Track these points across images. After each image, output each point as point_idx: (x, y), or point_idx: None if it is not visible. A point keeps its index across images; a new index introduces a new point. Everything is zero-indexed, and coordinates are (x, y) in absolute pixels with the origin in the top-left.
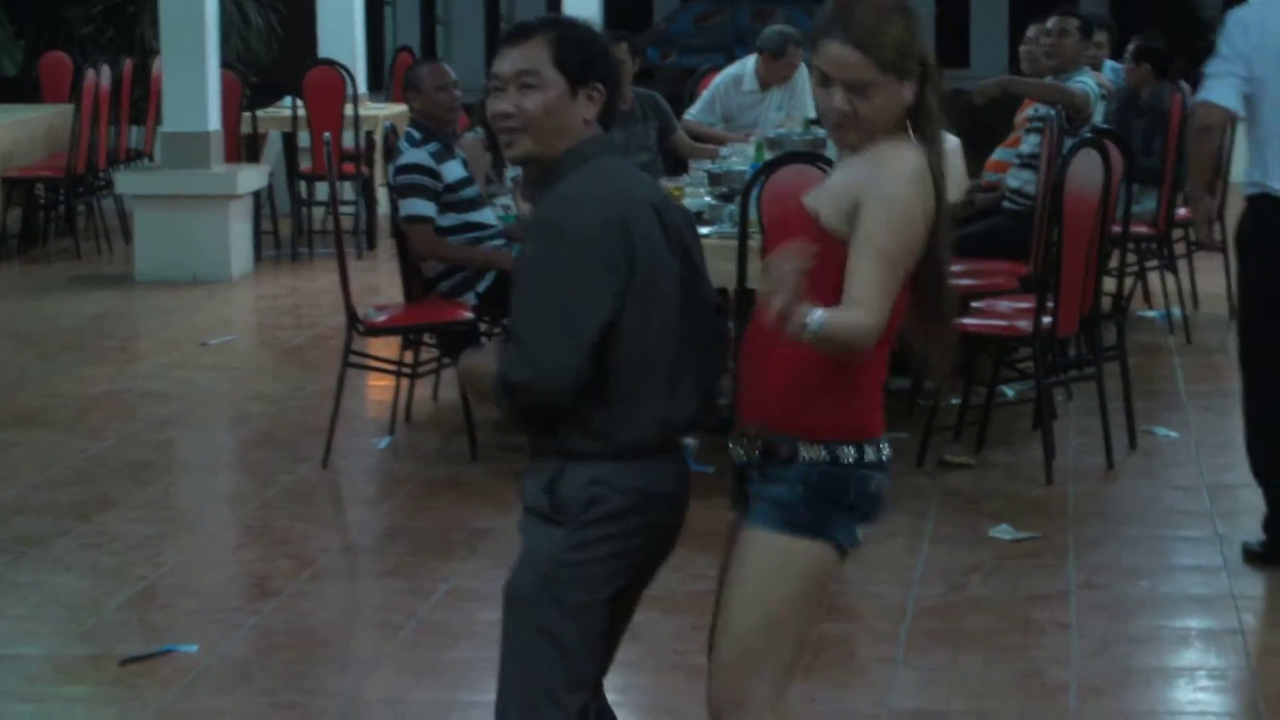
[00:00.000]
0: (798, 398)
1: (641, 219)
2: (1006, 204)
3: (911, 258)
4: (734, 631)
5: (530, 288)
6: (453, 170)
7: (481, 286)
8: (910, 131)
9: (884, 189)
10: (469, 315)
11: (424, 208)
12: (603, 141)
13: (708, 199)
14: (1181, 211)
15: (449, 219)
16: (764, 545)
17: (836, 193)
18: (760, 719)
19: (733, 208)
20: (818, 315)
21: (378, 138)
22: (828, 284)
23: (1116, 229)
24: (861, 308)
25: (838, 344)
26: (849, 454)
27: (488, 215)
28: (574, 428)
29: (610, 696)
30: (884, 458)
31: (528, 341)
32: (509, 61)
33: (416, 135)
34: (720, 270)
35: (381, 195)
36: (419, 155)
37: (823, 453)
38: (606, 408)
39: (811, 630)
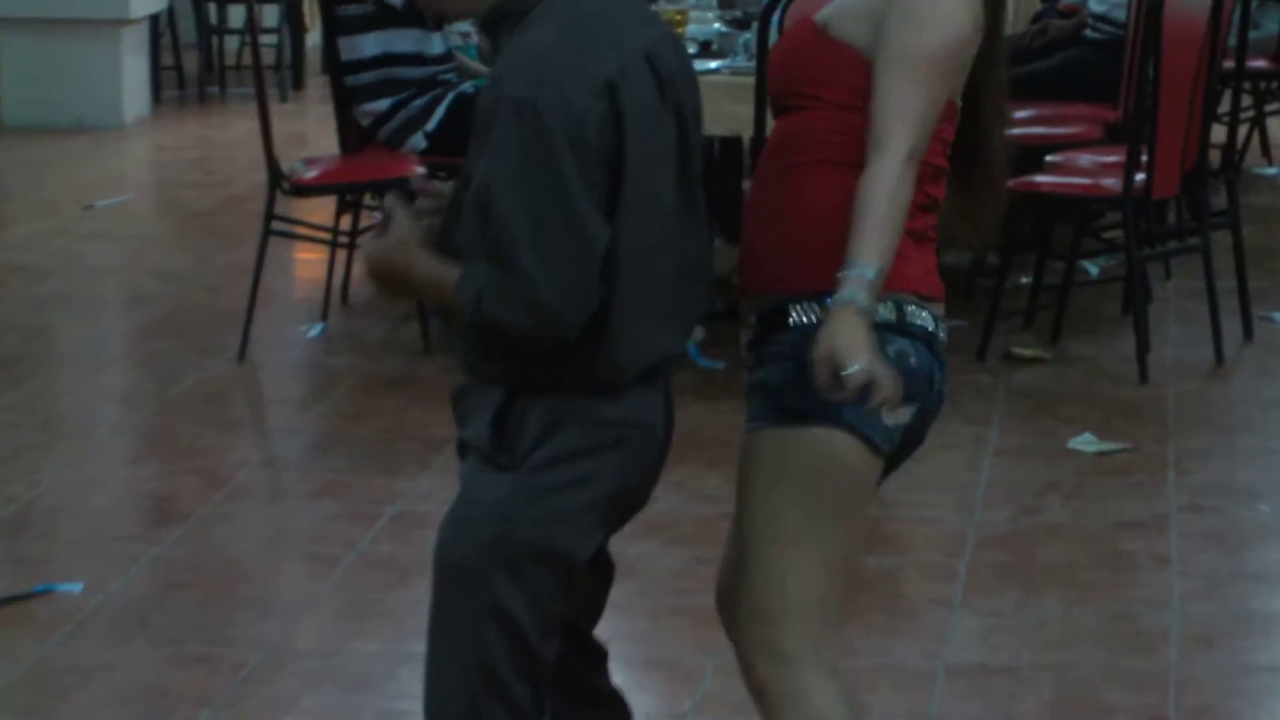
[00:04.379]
0: (799, 251)
1: (634, 78)
2: (1089, 33)
3: (955, 70)
4: (747, 567)
5: (514, 195)
6: None
7: (431, 124)
8: None
9: None
10: (419, 170)
11: None
12: None
13: (717, 26)
14: None
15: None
16: (760, 449)
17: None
18: (803, 676)
19: (749, 36)
20: (859, 274)
21: None
22: (838, 93)
23: (1228, 64)
24: (884, 145)
25: (896, 214)
26: None
27: (437, 44)
28: (539, 356)
29: None
30: (911, 320)
31: (527, 273)
32: None
33: None
34: (733, 114)
35: (313, 21)
36: None
37: (817, 311)
38: (587, 336)
39: (854, 547)
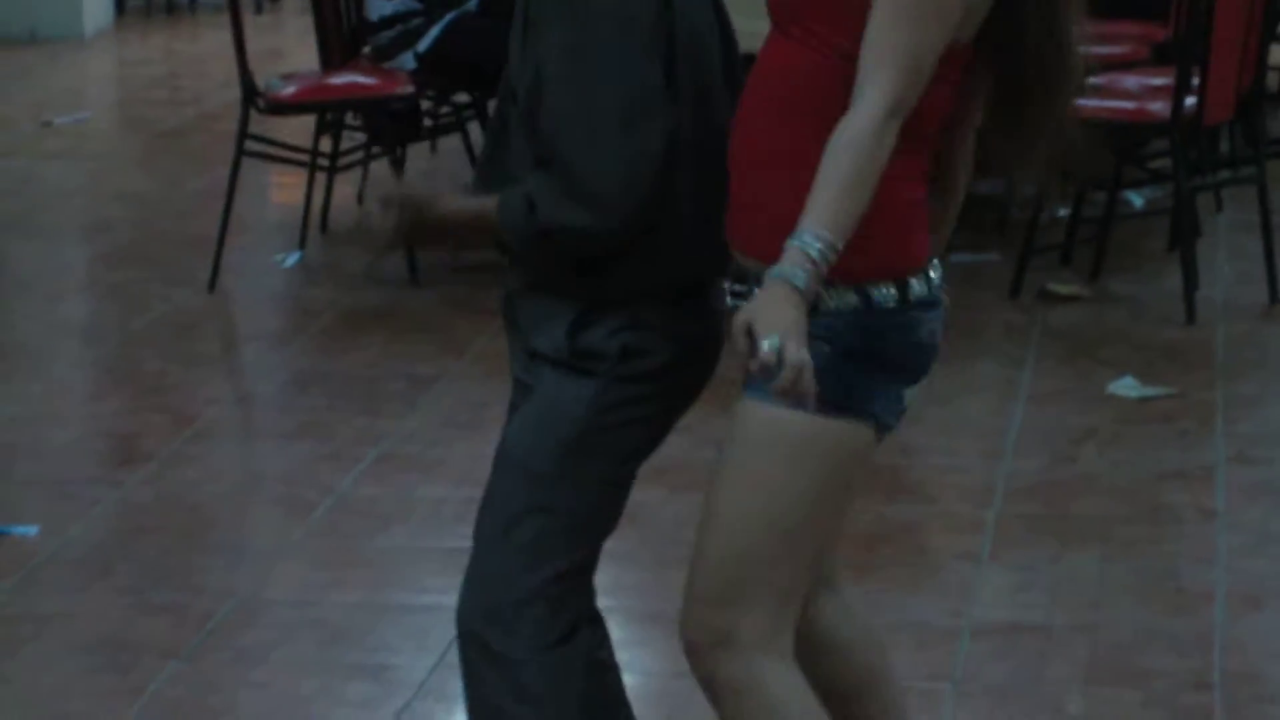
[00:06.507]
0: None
1: None
2: None
3: (951, 12)
4: (718, 546)
5: (560, 88)
6: None
7: (422, 45)
8: None
9: None
10: (408, 89)
11: None
12: None
13: None
14: None
15: None
16: (772, 427)
17: None
18: (751, 662)
19: None
20: (803, 247)
21: None
22: (842, 35)
23: None
24: (862, 95)
25: (864, 175)
26: (889, 295)
27: None
28: (610, 266)
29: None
30: (935, 288)
31: (577, 169)
32: None
33: None
34: (751, 33)
35: None
36: None
37: (854, 298)
38: (655, 237)
39: (831, 533)
